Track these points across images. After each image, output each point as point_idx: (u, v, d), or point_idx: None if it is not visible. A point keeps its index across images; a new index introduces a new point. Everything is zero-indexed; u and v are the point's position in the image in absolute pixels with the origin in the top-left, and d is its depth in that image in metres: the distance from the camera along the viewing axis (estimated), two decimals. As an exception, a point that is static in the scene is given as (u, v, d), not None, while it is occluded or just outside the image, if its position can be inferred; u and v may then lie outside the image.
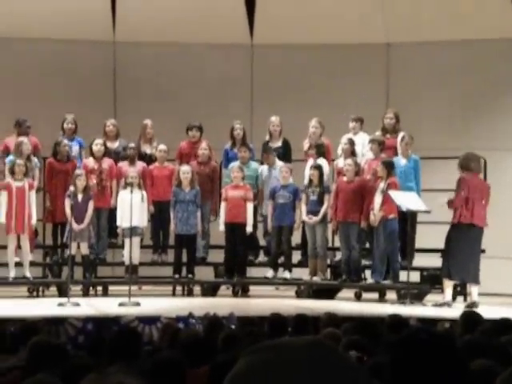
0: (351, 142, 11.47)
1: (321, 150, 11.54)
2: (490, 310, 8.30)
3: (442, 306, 9.96)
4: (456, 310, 8.73)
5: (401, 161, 11.10)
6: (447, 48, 13.29)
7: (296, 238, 11.82)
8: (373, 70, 13.72)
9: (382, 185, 10.74)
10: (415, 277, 10.89)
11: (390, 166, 10.77)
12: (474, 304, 9.85)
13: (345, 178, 11.18)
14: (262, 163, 12.02)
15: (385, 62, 13.86)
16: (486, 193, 10.43)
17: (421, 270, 10.97)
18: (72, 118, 11.90)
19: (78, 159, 11.81)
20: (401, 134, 11.35)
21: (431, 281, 10.65)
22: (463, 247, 10.06)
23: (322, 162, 11.53)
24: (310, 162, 11.63)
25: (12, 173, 10.92)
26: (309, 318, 6.86)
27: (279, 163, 11.71)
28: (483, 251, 11.22)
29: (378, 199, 10.75)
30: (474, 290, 10.16)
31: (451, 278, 10.15)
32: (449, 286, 10.16)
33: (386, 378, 1.72)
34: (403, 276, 10.61)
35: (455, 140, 12.51)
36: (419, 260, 11.04)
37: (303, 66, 13.77)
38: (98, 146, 11.60)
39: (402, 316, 6.57)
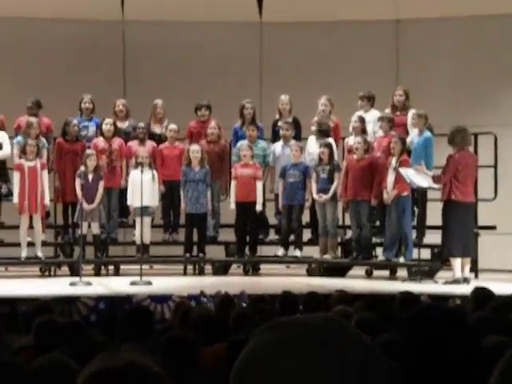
0: (361, 120, 11.43)
1: (323, 129, 11.50)
2: (501, 287, 8.30)
3: (453, 283, 9.96)
4: (467, 287, 8.73)
5: (414, 138, 11.07)
6: (457, 24, 13.22)
7: (306, 216, 11.82)
8: (382, 46, 13.66)
9: (393, 162, 10.71)
10: (426, 254, 10.89)
11: (403, 143, 10.75)
12: (465, 280, 9.93)
13: (355, 156, 11.15)
14: (273, 141, 12.00)
15: (394, 38, 13.80)
16: (475, 166, 10.41)
17: (432, 247, 10.97)
18: (89, 98, 11.90)
19: (93, 139, 11.80)
20: (411, 112, 11.33)
21: (442, 257, 10.64)
22: (458, 223, 10.06)
23: (329, 140, 11.49)
24: (312, 140, 11.61)
25: (23, 153, 10.94)
26: (320, 295, 6.87)
27: (292, 141, 11.70)
28: (493, 228, 11.21)
29: (390, 177, 10.73)
30: (466, 265, 10.17)
31: (453, 254, 10.16)
32: (456, 262, 10.16)
33: (398, 354, 1.73)
34: (414, 253, 10.61)
35: (465, 117, 12.45)
36: (430, 237, 11.03)
37: (312, 44, 13.71)
38: (107, 125, 11.60)
39: (413, 293, 6.57)
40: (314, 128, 11.55)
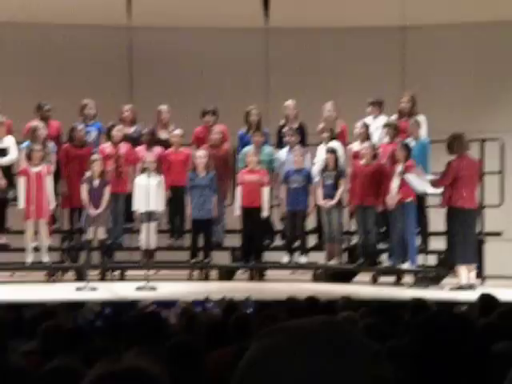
0: (366, 126, 11.44)
1: (331, 134, 11.52)
2: (507, 293, 8.27)
3: (459, 290, 9.95)
4: (473, 293, 8.71)
5: (411, 144, 11.07)
6: (463, 31, 13.22)
7: (312, 222, 11.81)
8: (388, 53, 13.67)
9: (399, 168, 10.71)
10: (432, 260, 10.87)
11: (408, 149, 10.74)
12: (471, 286, 9.90)
13: (362, 162, 11.15)
14: (278, 147, 12.00)
15: (400, 45, 13.80)
16: (476, 172, 10.40)
17: (438, 253, 10.95)
18: (92, 103, 11.92)
19: (95, 144, 11.84)
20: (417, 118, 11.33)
21: (448, 264, 10.62)
22: (459, 230, 10.04)
23: (335, 144, 11.49)
24: (322, 146, 11.61)
25: (29, 158, 10.95)
26: (320, 300, 6.86)
27: (297, 147, 11.69)
28: (499, 234, 11.20)
29: (395, 182, 10.73)
30: (471, 272, 10.14)
31: (456, 262, 10.14)
32: (462, 269, 10.13)
33: (406, 360, 1.72)
34: (420, 259, 10.59)
35: (471, 123, 12.46)
36: (436, 243, 11.02)
37: (319, 50, 13.73)
38: (118, 131, 11.61)
39: (425, 300, 6.53)
40: (325, 134, 11.52)
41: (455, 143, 10.20)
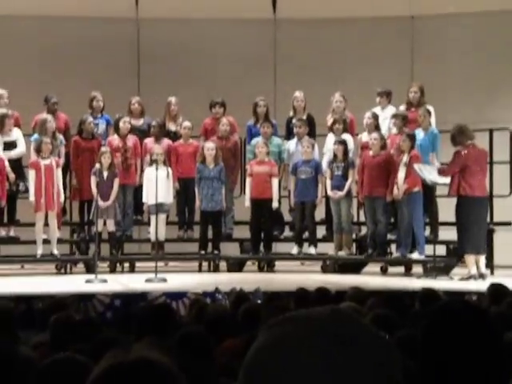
0: (375, 116, 11.42)
1: (345, 126, 11.51)
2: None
3: (468, 279, 9.93)
4: (483, 283, 8.70)
5: (420, 134, 11.04)
6: (471, 20, 13.17)
7: (321, 213, 11.81)
8: (397, 43, 13.62)
9: (404, 158, 10.71)
10: (442, 250, 10.85)
11: (412, 139, 10.74)
12: (482, 276, 9.87)
13: (370, 152, 11.13)
14: (287, 138, 11.99)
15: (409, 34, 13.75)
16: (485, 161, 10.36)
17: (447, 243, 10.93)
18: (101, 95, 11.93)
19: (104, 136, 11.86)
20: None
21: (457, 254, 10.60)
22: (470, 220, 10.01)
23: (346, 137, 11.49)
24: (331, 136, 11.58)
25: (38, 151, 10.96)
26: (330, 291, 6.85)
27: (305, 138, 11.68)
28: (509, 224, 11.16)
29: (401, 173, 10.73)
30: (481, 261, 10.12)
31: (465, 252, 10.11)
32: (470, 259, 10.12)
33: (417, 350, 1.71)
34: (429, 250, 10.58)
35: (480, 113, 12.42)
36: (445, 234, 11.00)
37: (327, 41, 13.70)
38: (125, 123, 11.61)
39: (435, 289, 6.52)
40: (338, 126, 11.47)
41: (456, 135, 10.18)
